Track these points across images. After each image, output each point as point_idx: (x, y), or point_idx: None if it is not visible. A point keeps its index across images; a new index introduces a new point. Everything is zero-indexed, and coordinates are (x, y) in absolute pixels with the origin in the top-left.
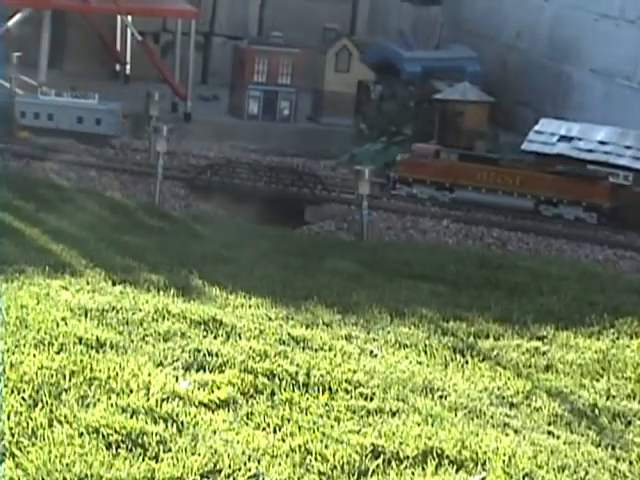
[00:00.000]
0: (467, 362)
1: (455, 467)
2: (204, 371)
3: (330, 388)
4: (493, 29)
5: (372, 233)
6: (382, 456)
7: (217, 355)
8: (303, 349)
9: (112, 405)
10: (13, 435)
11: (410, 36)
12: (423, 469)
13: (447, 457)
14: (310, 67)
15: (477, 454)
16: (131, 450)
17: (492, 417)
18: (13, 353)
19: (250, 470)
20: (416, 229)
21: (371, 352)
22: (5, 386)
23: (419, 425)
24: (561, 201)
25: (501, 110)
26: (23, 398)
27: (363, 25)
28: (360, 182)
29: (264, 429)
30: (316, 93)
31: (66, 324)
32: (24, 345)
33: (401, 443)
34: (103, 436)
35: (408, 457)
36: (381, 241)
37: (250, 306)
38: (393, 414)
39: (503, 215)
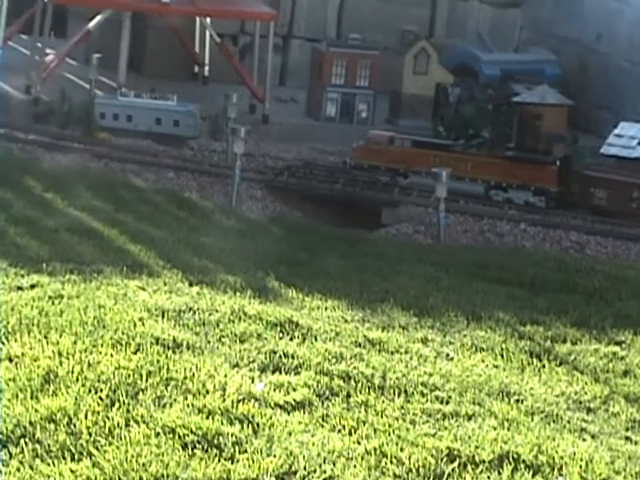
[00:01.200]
0: (544, 366)
1: (531, 472)
2: (280, 373)
3: (406, 391)
4: (573, 31)
5: (449, 236)
6: (458, 460)
7: (293, 357)
8: (379, 352)
9: (188, 406)
10: (90, 434)
11: (488, 38)
12: (499, 473)
13: (523, 462)
14: (388, 69)
15: (554, 459)
16: (207, 451)
17: (569, 422)
18: (91, 353)
19: (325, 472)
20: (493, 232)
21: (447, 355)
22: (82, 385)
23: (495, 429)
24: (510, 186)
25: (580, 113)
26: (100, 398)
27: (442, 27)
28: (438, 185)
29: (339, 431)
30: (394, 95)
31: (143, 324)
32: (102, 345)
33: (477, 447)
34: (179, 436)
35: (484, 461)
36: (458, 244)
37: (326, 308)
38: (469, 418)
39: (581, 219)
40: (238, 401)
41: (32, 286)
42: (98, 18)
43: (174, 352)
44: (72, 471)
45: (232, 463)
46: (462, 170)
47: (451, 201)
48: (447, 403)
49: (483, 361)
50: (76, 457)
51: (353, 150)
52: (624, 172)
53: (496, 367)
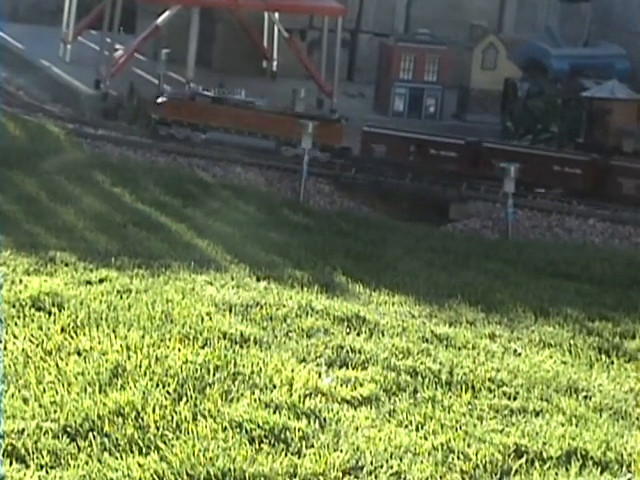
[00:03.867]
0: (613, 362)
1: (599, 468)
2: (347, 368)
3: (473, 387)
4: None
5: (517, 231)
6: (525, 456)
7: (360, 352)
8: (446, 347)
9: (255, 400)
10: (158, 428)
11: (558, 33)
12: (567, 470)
13: (591, 458)
14: (456, 64)
15: (622, 456)
16: (274, 445)
17: (638, 419)
18: (159, 347)
19: (392, 468)
20: (562, 228)
21: (515, 351)
22: (150, 380)
23: (563, 425)
24: (299, 142)
25: None
26: (168, 392)
27: (510, 22)
28: (506, 181)
29: (406, 427)
30: (462, 90)
31: (211, 319)
32: (169, 339)
33: (545, 443)
34: (246, 431)
35: (552, 457)
36: (526, 239)
37: (393, 303)
38: (537, 414)
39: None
40: (305, 396)
41: (101, 280)
42: (167, 13)
43: (241, 347)
44: (140, 465)
45: (299, 458)
46: (256, 127)
47: (519, 196)
48: (515, 399)
49: (551, 357)
50: (144, 451)
51: (159, 105)
52: None
53: (564, 363)
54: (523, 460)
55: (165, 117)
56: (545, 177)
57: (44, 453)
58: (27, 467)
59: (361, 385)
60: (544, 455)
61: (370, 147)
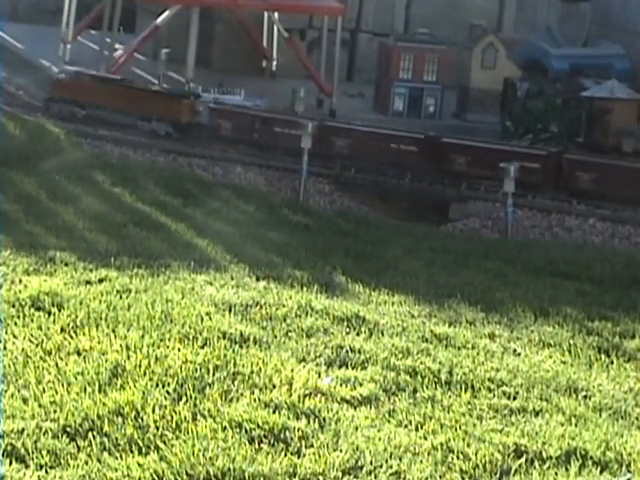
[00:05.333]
0: (612, 362)
1: (599, 468)
2: (346, 367)
3: (473, 386)
4: None
5: (516, 231)
6: (525, 456)
7: (360, 352)
8: (446, 347)
9: (255, 400)
10: (158, 428)
11: (557, 33)
12: (566, 469)
13: (591, 458)
14: (456, 64)
15: (622, 455)
16: (273, 445)
17: (637, 418)
18: (158, 347)
19: (391, 467)
20: (561, 227)
21: (514, 351)
22: (150, 380)
23: (562, 425)
24: (154, 118)
25: None
26: (168, 392)
27: (510, 22)
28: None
29: (406, 426)
30: (461, 90)
31: (210, 319)
32: (169, 339)
33: (544, 443)
34: (246, 431)
35: (551, 457)
36: (526, 239)
37: (393, 303)
38: (536, 414)
39: None
40: (305, 396)
41: (100, 280)
42: (166, 13)
43: (241, 346)
44: (139, 464)
45: (298, 457)
46: (122, 103)
47: (519, 196)
48: (514, 399)
49: (551, 357)
50: (143, 451)
51: (51, 84)
52: None
53: (564, 363)
54: (523, 460)
55: (55, 95)
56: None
57: (44, 453)
58: (27, 467)
59: (361, 385)
60: (544, 455)
61: (218, 123)
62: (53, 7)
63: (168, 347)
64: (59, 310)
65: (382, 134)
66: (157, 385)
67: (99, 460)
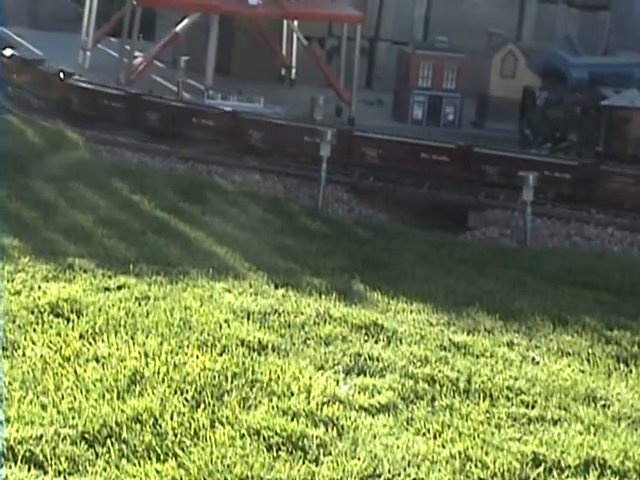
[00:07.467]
0: (631, 371)
1: (618, 477)
2: (365, 375)
3: (491, 395)
4: None
5: (535, 239)
6: (543, 464)
7: (378, 360)
8: (464, 355)
9: (273, 407)
10: (176, 435)
11: (577, 42)
12: (585, 478)
13: (609, 467)
14: (475, 72)
15: None
16: (291, 453)
17: None
18: (177, 354)
19: (410, 476)
20: (580, 236)
21: (533, 359)
22: (168, 386)
23: (581, 434)
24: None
25: None
26: (186, 399)
27: (529, 30)
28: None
29: (424, 435)
30: (481, 98)
31: (229, 326)
32: (187, 346)
33: (563, 452)
34: (264, 438)
35: (570, 466)
36: (545, 248)
37: (411, 311)
38: (555, 422)
39: None
40: (323, 403)
41: (119, 287)
42: (186, 21)
43: (259, 354)
44: (157, 471)
45: (316, 465)
46: (38, 86)
47: (538, 204)
48: (533, 407)
49: (569, 366)
50: (162, 458)
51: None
52: None
53: (582, 372)
54: (541, 469)
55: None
56: (413, 164)
57: (62, 459)
58: (45, 473)
59: (379, 393)
60: (562, 464)
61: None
62: (72, 15)
63: (186, 354)
64: (78, 317)
65: (412, 144)
66: (175, 392)
67: (117, 467)
